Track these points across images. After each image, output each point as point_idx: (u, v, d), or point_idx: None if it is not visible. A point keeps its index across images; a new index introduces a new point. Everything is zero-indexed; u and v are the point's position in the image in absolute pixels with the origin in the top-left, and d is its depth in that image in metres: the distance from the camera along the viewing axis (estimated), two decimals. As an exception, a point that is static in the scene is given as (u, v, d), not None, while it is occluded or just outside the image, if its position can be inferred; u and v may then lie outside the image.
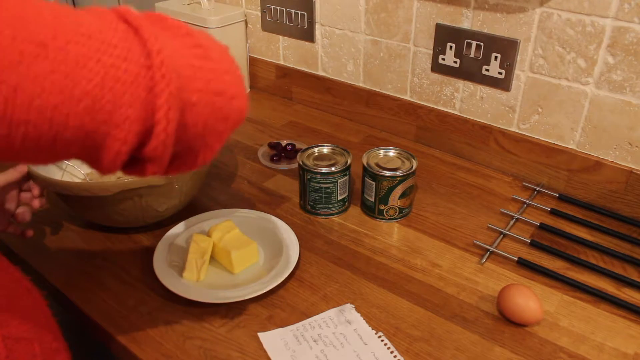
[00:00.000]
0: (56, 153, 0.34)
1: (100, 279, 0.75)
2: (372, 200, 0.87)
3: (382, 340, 0.66)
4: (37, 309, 0.52)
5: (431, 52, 1.02)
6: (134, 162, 0.39)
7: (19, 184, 0.74)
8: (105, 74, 0.33)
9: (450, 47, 0.99)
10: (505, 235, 0.84)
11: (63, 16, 0.33)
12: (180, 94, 0.36)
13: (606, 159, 0.89)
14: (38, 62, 0.31)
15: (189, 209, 0.88)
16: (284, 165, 1.03)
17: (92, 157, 0.36)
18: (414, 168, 0.85)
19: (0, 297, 0.48)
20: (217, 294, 0.71)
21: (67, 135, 0.33)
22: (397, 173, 0.84)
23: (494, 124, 1.00)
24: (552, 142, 0.94)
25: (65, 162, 0.88)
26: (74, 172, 0.89)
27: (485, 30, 0.94)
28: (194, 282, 0.74)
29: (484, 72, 0.96)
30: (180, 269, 0.75)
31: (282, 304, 0.72)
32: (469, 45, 0.96)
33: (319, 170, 0.85)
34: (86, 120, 0.33)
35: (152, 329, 0.68)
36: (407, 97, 1.11)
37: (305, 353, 0.64)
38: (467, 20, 0.95)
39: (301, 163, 0.86)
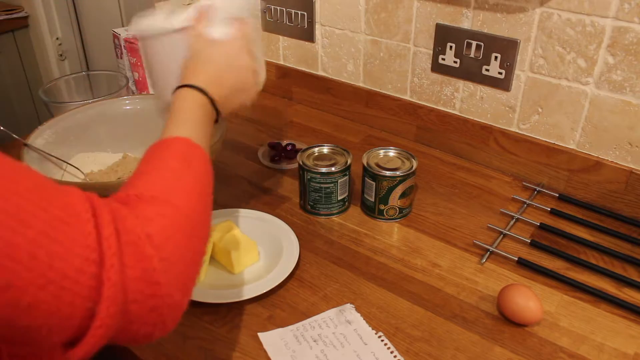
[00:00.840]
0: None
1: (100, 279, 0.75)
2: (372, 200, 0.87)
3: (382, 341, 0.66)
4: None
5: (431, 52, 1.02)
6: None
7: None
8: (49, 315, 0.35)
9: (450, 47, 0.99)
10: (505, 235, 0.84)
11: (35, 255, 0.34)
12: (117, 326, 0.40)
13: (606, 159, 0.89)
14: None
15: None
16: (284, 165, 1.03)
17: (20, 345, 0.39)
18: (414, 168, 0.85)
19: None
20: (217, 294, 0.71)
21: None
22: (397, 173, 0.84)
23: (494, 124, 1.00)
24: (552, 142, 0.94)
25: (65, 162, 0.88)
26: (74, 172, 0.89)
27: (486, 30, 0.94)
28: (194, 282, 0.74)
29: (484, 72, 0.96)
30: (180, 269, 0.75)
31: (282, 304, 0.72)
32: (469, 45, 0.96)
33: (319, 170, 0.85)
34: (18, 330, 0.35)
35: (152, 329, 0.68)
36: (407, 97, 1.11)
37: (305, 353, 0.64)
38: (467, 20, 0.95)
39: (301, 163, 0.86)
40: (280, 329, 0.68)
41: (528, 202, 0.92)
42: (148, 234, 0.41)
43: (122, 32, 1.17)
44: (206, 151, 0.53)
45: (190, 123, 0.55)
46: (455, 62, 0.99)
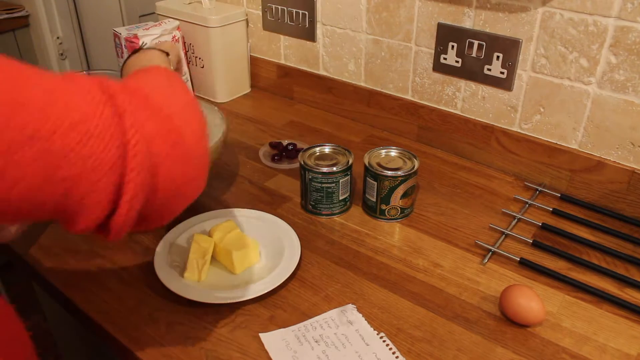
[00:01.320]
0: (29, 219, 0.38)
1: (101, 279, 0.75)
2: (374, 200, 0.87)
3: (383, 341, 0.66)
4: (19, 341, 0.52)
5: (433, 51, 1.02)
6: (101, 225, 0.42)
7: None
8: (83, 165, 0.36)
9: (452, 46, 0.98)
10: (507, 235, 0.84)
11: (52, 102, 0.35)
12: (148, 180, 0.40)
13: (608, 159, 0.89)
14: (24, 151, 0.33)
15: (190, 209, 0.87)
16: (285, 165, 1.03)
17: (63, 224, 0.40)
18: (415, 168, 0.85)
19: None
20: (218, 295, 0.71)
21: (43, 209, 0.36)
22: (399, 173, 0.83)
23: (495, 124, 1.00)
24: (554, 142, 0.94)
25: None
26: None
27: (487, 30, 0.93)
28: (195, 282, 0.74)
29: (485, 71, 0.96)
30: (182, 269, 0.75)
31: (283, 305, 0.72)
32: (471, 44, 0.96)
33: (321, 170, 0.84)
34: (62, 200, 0.36)
35: (152, 330, 0.67)
36: (408, 97, 1.10)
37: (307, 354, 0.64)
38: (469, 19, 0.95)
39: (302, 163, 0.86)
40: (281, 330, 0.68)
41: (530, 202, 0.91)
42: (148, 94, 0.43)
43: (123, 31, 1.16)
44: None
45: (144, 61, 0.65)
46: (457, 61, 0.99)
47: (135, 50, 0.72)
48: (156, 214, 0.44)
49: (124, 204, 0.39)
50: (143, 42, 0.71)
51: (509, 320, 0.69)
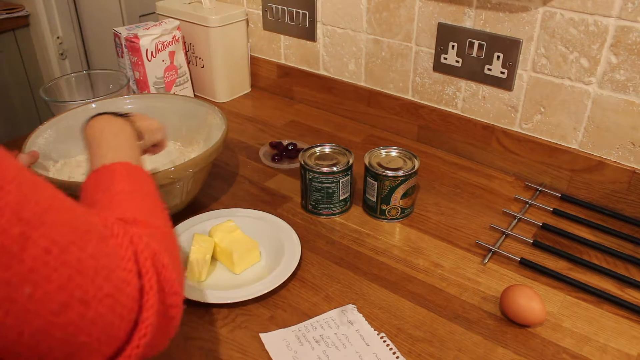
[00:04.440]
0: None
1: (102, 279, 0.75)
2: (374, 200, 0.86)
3: (384, 341, 0.66)
4: None
5: (433, 51, 1.02)
6: None
7: None
8: (101, 331, 0.35)
9: (453, 46, 0.98)
10: (507, 235, 0.84)
11: (97, 271, 0.35)
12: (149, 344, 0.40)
13: (609, 159, 0.89)
14: (66, 314, 0.33)
15: (190, 209, 0.87)
16: (285, 165, 1.03)
17: None
18: (416, 168, 0.85)
19: None
20: (219, 295, 0.71)
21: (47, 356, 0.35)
22: (399, 173, 0.83)
23: (496, 124, 1.00)
24: (555, 142, 0.94)
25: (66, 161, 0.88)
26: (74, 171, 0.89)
27: (488, 30, 0.93)
28: (196, 282, 0.74)
29: (486, 71, 0.96)
30: (182, 269, 0.74)
31: (283, 305, 0.72)
32: (471, 44, 0.96)
33: (321, 170, 0.84)
34: (68, 357, 0.35)
35: (153, 330, 0.67)
36: (409, 97, 1.10)
37: (307, 354, 0.64)
38: (469, 19, 0.95)
39: (303, 163, 0.86)
40: (282, 330, 0.68)
41: (530, 202, 0.91)
42: (156, 251, 0.42)
43: (123, 31, 1.16)
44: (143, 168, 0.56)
45: (119, 147, 0.58)
46: (457, 61, 0.99)
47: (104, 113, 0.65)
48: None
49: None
50: (127, 114, 0.66)
51: (510, 321, 0.69)
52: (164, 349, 0.44)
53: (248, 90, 1.35)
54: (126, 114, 0.66)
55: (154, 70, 1.17)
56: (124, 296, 0.36)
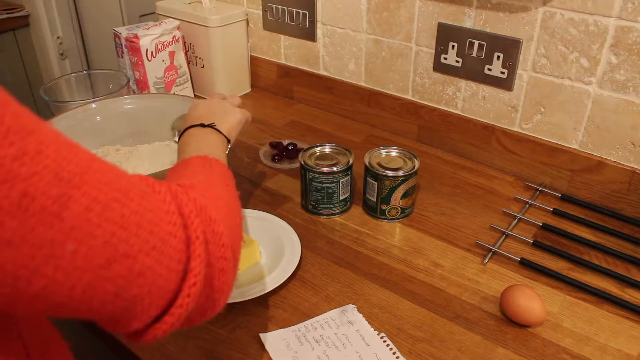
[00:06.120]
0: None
1: (101, 279, 0.75)
2: (374, 200, 0.86)
3: (384, 341, 0.66)
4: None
5: (433, 51, 1.02)
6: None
7: None
8: (152, 283, 0.36)
9: (453, 46, 0.98)
10: (507, 235, 0.84)
11: (140, 223, 0.36)
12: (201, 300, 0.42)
13: (609, 159, 0.89)
14: (113, 268, 0.34)
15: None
16: (285, 165, 1.03)
17: (109, 325, 0.39)
18: (416, 168, 0.85)
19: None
20: (219, 295, 0.71)
21: (98, 314, 0.36)
22: (399, 173, 0.83)
23: (496, 124, 1.00)
24: (555, 142, 0.94)
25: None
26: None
27: (488, 30, 0.93)
28: (196, 282, 0.74)
29: (486, 71, 0.96)
30: (182, 269, 0.74)
31: (283, 305, 0.72)
32: (471, 44, 0.96)
33: (321, 170, 0.84)
34: (120, 310, 0.36)
35: (153, 330, 0.67)
36: (409, 97, 1.10)
37: (307, 354, 0.64)
38: (469, 19, 0.95)
39: (303, 163, 0.86)
40: (282, 330, 0.67)
41: (530, 202, 0.91)
42: (204, 205, 0.43)
43: (123, 31, 1.16)
44: (223, 162, 0.61)
45: (199, 149, 0.63)
46: (457, 61, 0.99)
47: (200, 125, 0.71)
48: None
49: (168, 319, 0.39)
50: (212, 123, 0.72)
51: (510, 321, 0.69)
52: (213, 315, 0.45)
53: (248, 90, 1.35)
54: (211, 123, 0.72)
55: (154, 70, 1.17)
56: (170, 248, 0.37)
